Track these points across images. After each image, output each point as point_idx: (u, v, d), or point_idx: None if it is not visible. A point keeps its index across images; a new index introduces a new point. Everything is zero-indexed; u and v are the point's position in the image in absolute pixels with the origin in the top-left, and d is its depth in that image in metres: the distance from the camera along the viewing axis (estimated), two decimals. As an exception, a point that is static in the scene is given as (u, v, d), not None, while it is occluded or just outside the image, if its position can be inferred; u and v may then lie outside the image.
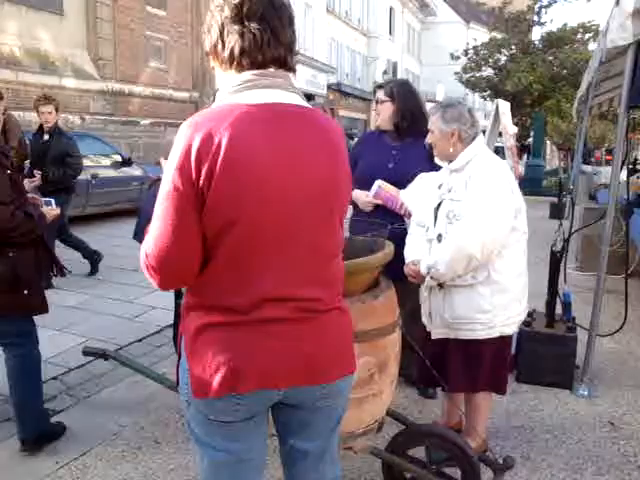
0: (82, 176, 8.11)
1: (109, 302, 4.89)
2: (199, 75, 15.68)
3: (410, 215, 2.70)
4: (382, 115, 2.97)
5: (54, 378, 3.44)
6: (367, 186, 2.89)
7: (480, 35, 35.52)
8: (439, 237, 2.33)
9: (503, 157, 17.08)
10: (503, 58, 22.23)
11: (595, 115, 8.54)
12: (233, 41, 1.22)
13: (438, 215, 2.37)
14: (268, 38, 1.22)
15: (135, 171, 9.26)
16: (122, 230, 8.19)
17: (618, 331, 3.63)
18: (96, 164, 8.66)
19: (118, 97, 12.93)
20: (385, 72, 31.09)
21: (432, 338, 2.43)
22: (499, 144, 20.27)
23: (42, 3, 11.09)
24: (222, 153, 1.13)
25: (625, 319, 3.56)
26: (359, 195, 2.91)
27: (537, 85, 20.07)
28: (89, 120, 12.02)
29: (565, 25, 21.45)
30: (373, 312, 1.91)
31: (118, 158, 9.11)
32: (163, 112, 14.15)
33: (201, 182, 1.14)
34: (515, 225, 2.26)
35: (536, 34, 22.70)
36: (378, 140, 3.04)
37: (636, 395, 3.34)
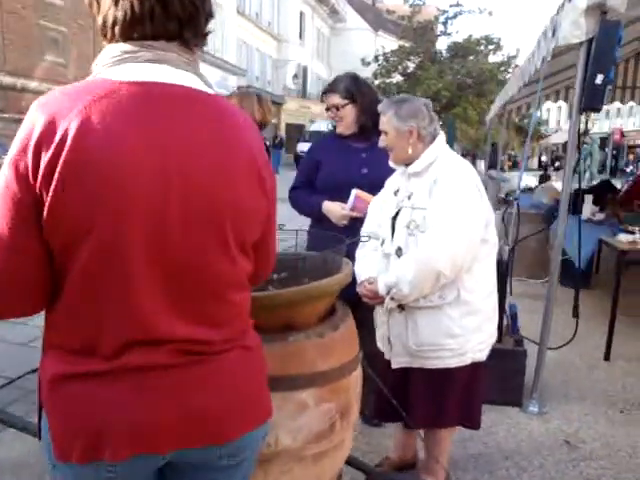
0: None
1: (8, 326, 4.20)
2: (101, 71, 14.64)
3: None
4: (345, 121, 2.58)
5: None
6: (337, 195, 2.51)
7: (388, 43, 36.33)
8: (398, 251, 2.01)
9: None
10: (412, 66, 22.76)
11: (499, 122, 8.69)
12: (106, 8, 0.99)
13: (396, 226, 2.04)
14: (151, 8, 0.97)
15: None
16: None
17: (569, 343, 3.48)
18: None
19: (9, 92, 11.74)
20: (295, 76, 30.98)
21: (392, 367, 2.10)
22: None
23: None
24: (68, 144, 0.88)
25: (576, 331, 3.42)
26: (332, 208, 2.52)
27: (445, 92, 20.68)
28: (-25, 116, 10.82)
29: (470, 36, 22.28)
30: (333, 348, 1.55)
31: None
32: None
33: (39, 181, 0.89)
34: (485, 236, 1.98)
35: (443, 44, 23.46)
36: (341, 143, 2.63)
37: (584, 408, 3.20)
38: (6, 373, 3.37)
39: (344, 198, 2.49)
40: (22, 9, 11.99)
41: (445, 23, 22.34)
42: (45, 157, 0.88)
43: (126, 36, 0.97)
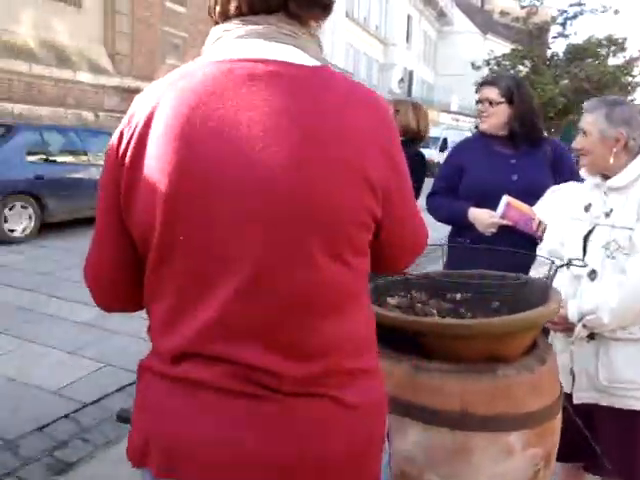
0: (95, 176, 7.66)
1: (125, 318, 4.31)
2: (217, 75, 15.21)
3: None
4: (494, 119, 2.39)
5: (65, 416, 2.87)
6: (483, 202, 2.32)
7: (496, 46, 35.04)
8: (592, 274, 1.76)
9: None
10: (525, 70, 21.71)
11: None
12: None
13: (589, 245, 1.79)
14: None
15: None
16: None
17: None
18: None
19: (134, 94, 12.34)
20: (401, 80, 30.65)
21: (574, 403, 1.85)
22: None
23: (59, -6, 10.63)
24: (138, 129, 0.83)
25: None
26: (480, 215, 2.32)
27: (561, 98, 19.53)
28: (103, 117, 11.52)
29: (591, 37, 20.92)
30: (542, 384, 1.34)
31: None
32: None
33: (118, 169, 0.85)
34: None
35: (559, 46, 22.19)
36: (487, 147, 2.45)
37: None
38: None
39: (490, 206, 2.30)
40: (150, 17, 12.66)
41: (564, 24, 21.09)
42: (123, 142, 0.84)
43: (225, 15, 0.89)
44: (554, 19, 21.25)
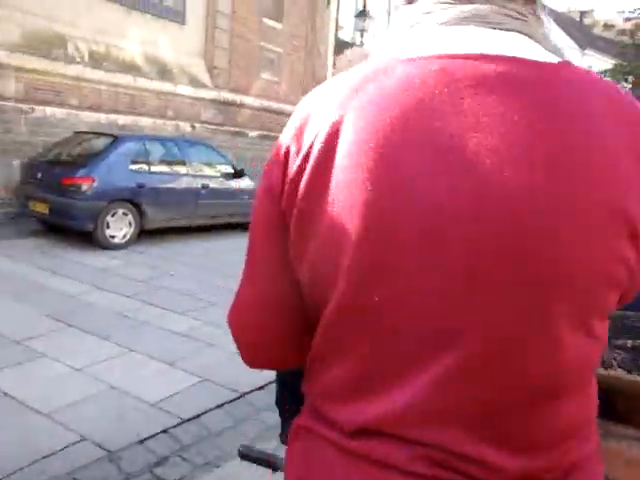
0: (192, 185, 7.84)
1: (221, 332, 4.29)
2: (309, 89, 15.15)
3: None
4: None
5: (164, 431, 2.83)
6: None
7: (596, 62, 33.40)
8: None
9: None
10: (628, 86, 20.48)
11: None
12: None
13: None
14: None
15: (246, 184, 8.80)
16: (235, 243, 7.78)
17: None
18: (208, 174, 8.30)
19: (229, 107, 12.74)
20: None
21: None
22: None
23: (166, 12, 11.07)
24: (317, 149, 0.61)
25: None
26: None
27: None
28: (199, 128, 11.86)
29: None
30: None
31: (229, 169, 8.71)
32: (271, 125, 13.85)
33: (286, 190, 0.65)
34: None
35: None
36: None
37: None
38: (235, 385, 3.36)
39: None
40: (248, 33, 12.96)
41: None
42: (293, 164, 0.64)
43: None
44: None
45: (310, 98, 0.67)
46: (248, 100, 13.32)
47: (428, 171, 0.57)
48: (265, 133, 13.61)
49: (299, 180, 0.63)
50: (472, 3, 0.62)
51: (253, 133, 13.52)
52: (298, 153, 0.64)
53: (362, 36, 16.37)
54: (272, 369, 0.83)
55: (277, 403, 1.90)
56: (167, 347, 3.87)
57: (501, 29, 0.62)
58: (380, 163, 0.58)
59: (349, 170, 0.60)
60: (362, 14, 15.46)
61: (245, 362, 0.78)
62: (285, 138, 0.67)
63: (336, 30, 15.54)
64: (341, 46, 15.85)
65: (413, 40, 0.64)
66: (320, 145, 0.61)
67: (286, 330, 0.73)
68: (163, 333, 4.15)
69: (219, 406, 3.11)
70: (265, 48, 13.64)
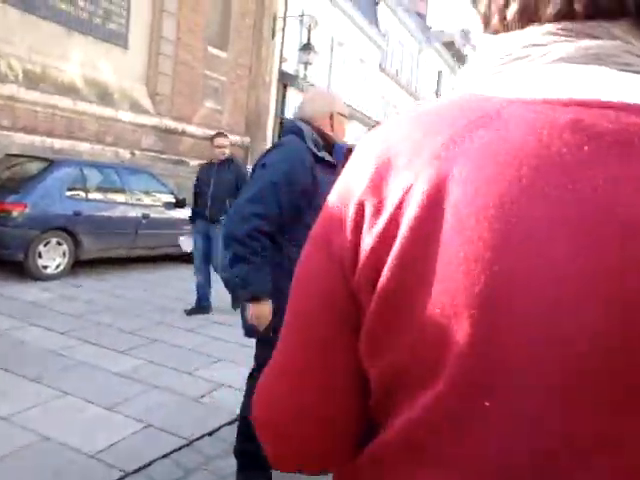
0: (132, 214, 7.52)
1: (165, 371, 4.03)
2: (253, 120, 15.26)
3: None
4: None
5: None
6: None
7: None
8: None
9: None
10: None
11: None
12: None
13: None
14: None
15: (187, 214, 8.52)
16: (176, 275, 7.46)
17: None
18: (148, 203, 7.99)
19: (171, 135, 12.47)
20: (429, 133, 30.83)
21: None
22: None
23: (108, 35, 10.78)
24: (414, 208, 0.48)
25: None
26: None
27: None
28: (139, 155, 11.52)
29: None
30: None
31: (170, 198, 8.43)
32: (213, 154, 13.64)
33: (363, 261, 0.50)
34: None
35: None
36: None
37: None
38: (181, 431, 3.13)
39: None
40: (193, 60, 12.82)
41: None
42: (373, 227, 0.50)
43: (527, 17, 0.52)
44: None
45: (384, 138, 0.53)
46: (190, 128, 13.10)
47: (565, 238, 0.44)
48: (206, 162, 13.39)
49: (386, 249, 0.49)
50: (594, 38, 0.50)
51: (195, 162, 13.26)
52: (379, 212, 0.50)
53: (306, 69, 16.57)
54: (312, 472, 0.66)
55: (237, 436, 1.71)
56: (106, 389, 3.58)
57: (631, 71, 0.49)
58: (507, 238, 0.45)
59: (463, 242, 0.46)
60: (306, 47, 15.66)
61: (277, 463, 0.63)
62: (353, 189, 0.53)
63: (280, 62, 15.65)
64: (285, 78, 15.95)
65: (519, 77, 0.51)
66: (419, 204, 0.48)
67: (334, 442, 0.59)
68: (101, 374, 3.85)
69: (166, 455, 2.87)
70: (209, 76, 13.53)
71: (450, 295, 0.46)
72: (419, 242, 0.48)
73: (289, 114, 16.62)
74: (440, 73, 33.46)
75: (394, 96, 28.23)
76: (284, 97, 16.26)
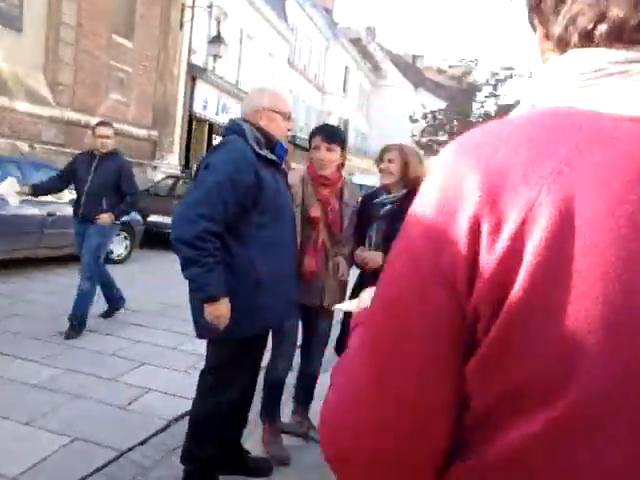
0: (37, 212, 7.02)
1: (86, 379, 3.79)
2: (160, 113, 14.70)
3: None
4: None
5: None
6: None
7: (427, 101, 36.86)
8: None
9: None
10: (456, 124, 22.73)
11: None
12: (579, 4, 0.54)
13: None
14: None
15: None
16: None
17: None
18: (54, 200, 7.47)
19: (74, 127, 11.75)
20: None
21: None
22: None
23: (-1, 17, 9.96)
24: (547, 220, 0.46)
25: None
26: None
27: (493, 154, 20.50)
28: (39, 149, 10.76)
29: (520, 100, 22.31)
30: None
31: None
32: (119, 148, 13.01)
33: (481, 281, 0.48)
34: None
35: (490, 105, 23.39)
36: None
37: None
38: (109, 442, 2.95)
39: None
40: (96, 49, 12.15)
41: (495, 85, 22.36)
42: (494, 244, 0.48)
43: (615, 38, 0.53)
44: (487, 80, 22.49)
45: (487, 151, 0.51)
46: (95, 121, 12.41)
47: None
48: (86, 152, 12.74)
49: (512, 267, 0.47)
50: None
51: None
52: (499, 229, 0.47)
53: (215, 61, 16.22)
54: None
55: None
56: (23, 403, 3.30)
57: None
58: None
59: (598, 259, 0.45)
60: (216, 39, 15.33)
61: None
62: (459, 202, 0.50)
63: (189, 54, 15.20)
64: (194, 70, 15.51)
65: (622, 93, 0.50)
66: (548, 221, 0.46)
67: (431, 461, 0.55)
68: (15, 386, 3.55)
69: (97, 470, 2.69)
70: (114, 67, 12.88)
71: (585, 309, 0.45)
72: (551, 259, 0.46)
73: (198, 108, 16.21)
74: (347, 69, 33.95)
75: (302, 91, 28.33)
76: (193, 90, 15.81)
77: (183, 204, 2.29)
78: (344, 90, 33.84)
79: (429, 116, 23.20)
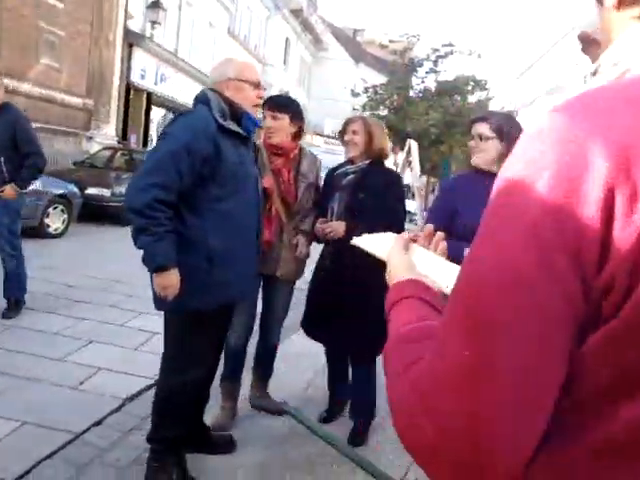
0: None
1: (32, 360, 3.61)
2: (96, 81, 13.99)
3: None
4: (485, 154, 2.41)
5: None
6: None
7: (368, 75, 36.79)
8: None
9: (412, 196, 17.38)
10: (399, 100, 22.85)
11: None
12: None
13: None
14: None
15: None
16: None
17: None
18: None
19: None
20: (279, 101, 30.79)
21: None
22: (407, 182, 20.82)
23: None
24: None
25: None
26: None
27: (434, 129, 20.78)
28: (-37, 116, 10.05)
29: (460, 76, 22.67)
30: None
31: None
32: (51, 117, 12.33)
33: (614, 257, 0.46)
34: None
35: (430, 81, 23.63)
36: (475, 185, 2.37)
37: None
38: (65, 424, 2.84)
39: None
40: (22, 7, 11.37)
41: (436, 62, 22.55)
42: (632, 217, 0.46)
43: None
44: (428, 56, 22.64)
45: (607, 122, 0.48)
46: (25, 87, 11.71)
47: None
48: (43, 126, 12.09)
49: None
50: None
51: (33, 125, 11.92)
52: (635, 200, 0.45)
53: (153, 28, 15.59)
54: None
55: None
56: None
57: None
58: None
59: None
60: (155, 4, 14.71)
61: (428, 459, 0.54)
62: (587, 172, 0.47)
63: (125, 18, 14.49)
64: (131, 37, 14.82)
65: None
66: None
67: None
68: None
69: (54, 453, 2.59)
70: (45, 29, 12.12)
71: None
72: None
73: (136, 77, 15.56)
74: (288, 40, 33.42)
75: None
76: (130, 58, 15.13)
77: (136, 173, 2.25)
78: (285, 62, 33.35)
79: (370, 90, 23.17)
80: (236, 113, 2.30)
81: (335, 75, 37.57)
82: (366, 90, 23.32)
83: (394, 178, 3.12)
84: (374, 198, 2.84)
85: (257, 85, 2.39)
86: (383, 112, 22.88)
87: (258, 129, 2.54)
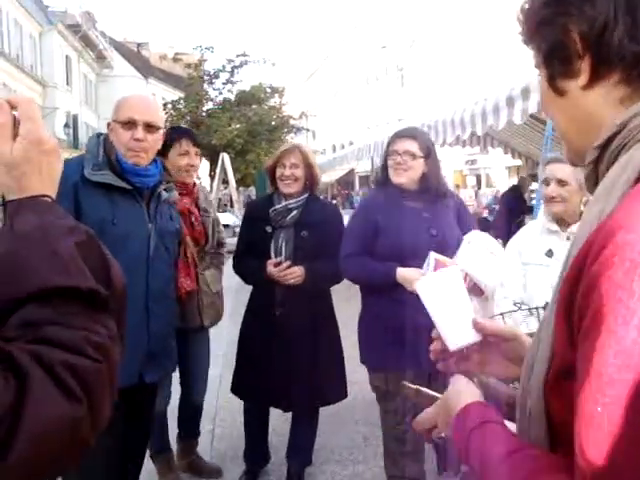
0: None
1: None
2: None
3: (481, 292, 2.08)
4: (412, 172, 2.35)
5: None
6: (403, 261, 2.26)
7: (158, 90, 35.76)
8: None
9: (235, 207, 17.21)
10: (201, 114, 22.59)
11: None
12: None
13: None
14: None
15: None
16: None
17: None
18: None
19: None
20: (66, 125, 28.46)
21: None
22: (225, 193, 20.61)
23: None
24: None
25: None
26: (410, 275, 2.18)
27: (239, 139, 20.92)
28: None
29: (259, 85, 23.11)
30: None
31: None
32: None
33: None
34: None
35: (228, 92, 23.71)
36: (396, 203, 2.37)
37: None
38: None
39: (410, 263, 2.27)
40: None
41: (232, 72, 22.70)
42: None
43: None
44: (224, 67, 22.70)
45: None
46: None
47: None
48: None
49: None
50: None
51: None
52: None
53: None
54: None
55: None
56: None
57: None
58: None
59: None
60: None
61: None
62: None
63: None
64: None
65: None
66: None
67: None
68: None
69: None
70: None
71: None
72: None
73: None
74: (68, 58, 31.04)
75: (18, 84, 25.15)
76: None
77: None
78: (68, 82, 30.93)
79: (169, 106, 22.54)
80: (119, 161, 1.97)
81: (124, 93, 35.15)
82: (164, 106, 22.64)
83: (333, 211, 2.99)
84: (317, 235, 2.64)
85: (127, 123, 1.97)
86: (184, 126, 22.45)
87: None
